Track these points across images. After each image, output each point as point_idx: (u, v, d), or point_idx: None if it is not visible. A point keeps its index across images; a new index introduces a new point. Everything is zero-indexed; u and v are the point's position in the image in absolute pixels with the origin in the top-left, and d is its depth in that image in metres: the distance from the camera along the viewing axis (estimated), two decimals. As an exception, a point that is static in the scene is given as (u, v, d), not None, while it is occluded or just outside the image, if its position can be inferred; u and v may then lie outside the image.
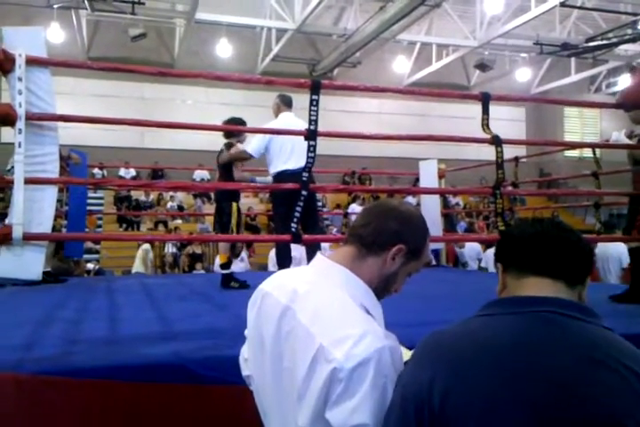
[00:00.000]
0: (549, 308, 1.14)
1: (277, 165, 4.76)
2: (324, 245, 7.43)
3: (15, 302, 4.43)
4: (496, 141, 3.43)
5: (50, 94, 2.91)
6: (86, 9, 13.15)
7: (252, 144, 4.90)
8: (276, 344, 1.38)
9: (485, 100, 3.42)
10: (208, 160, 15.51)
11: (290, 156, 4.67)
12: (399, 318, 2.92)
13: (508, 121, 18.67)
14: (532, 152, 11.62)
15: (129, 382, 2.36)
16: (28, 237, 2.74)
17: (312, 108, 3.13)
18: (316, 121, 3.13)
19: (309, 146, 3.17)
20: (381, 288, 1.42)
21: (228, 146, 5.14)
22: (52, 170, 2.88)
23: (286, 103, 5.04)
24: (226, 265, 5.27)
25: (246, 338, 1.62)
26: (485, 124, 3.45)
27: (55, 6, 13.04)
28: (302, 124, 4.20)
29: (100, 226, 13.94)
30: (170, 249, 12.09)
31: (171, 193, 16.13)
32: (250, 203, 15.40)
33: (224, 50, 16.82)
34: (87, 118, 3.03)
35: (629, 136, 4.37)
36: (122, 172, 16.67)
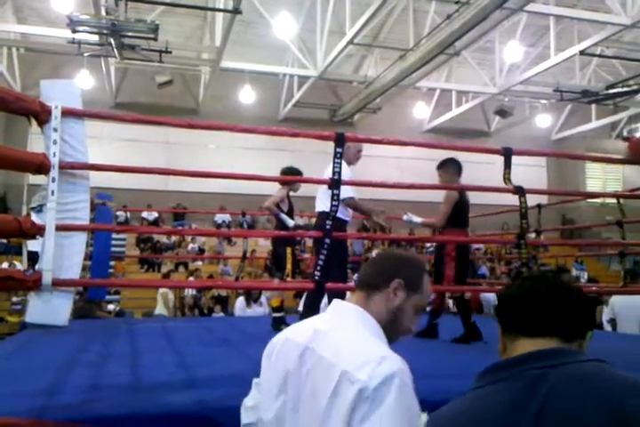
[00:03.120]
0: (535, 364, 1.11)
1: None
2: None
3: (37, 345, 4.45)
4: (519, 192, 3.44)
5: (83, 144, 3.01)
6: (115, 57, 13.59)
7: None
8: (296, 382, 1.48)
9: (507, 155, 3.45)
10: (229, 203, 15.83)
11: None
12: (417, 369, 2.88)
13: (529, 166, 18.68)
14: (554, 198, 11.57)
15: (151, 431, 2.36)
16: (57, 283, 2.78)
17: (336, 160, 3.19)
18: (339, 172, 3.19)
19: (333, 195, 3.23)
20: (391, 324, 1.55)
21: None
22: (83, 217, 2.95)
23: None
24: (278, 309, 5.47)
25: (254, 386, 1.76)
26: (507, 178, 3.47)
27: (85, 55, 13.46)
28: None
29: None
30: (190, 291, 12.07)
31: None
32: (269, 245, 15.42)
33: (247, 96, 17.20)
34: (117, 167, 3.12)
35: None
36: (144, 214, 16.90)
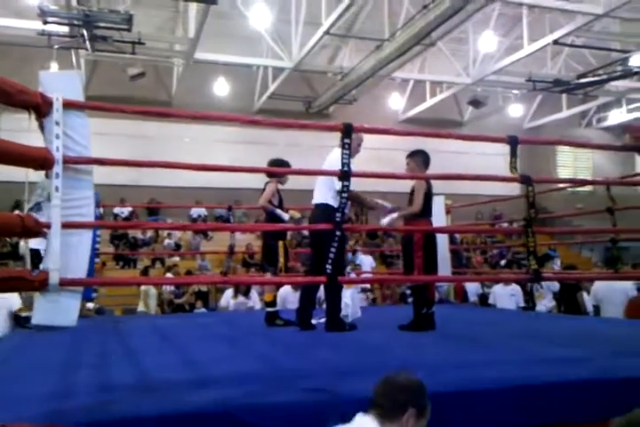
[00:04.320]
0: None
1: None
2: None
3: (32, 345, 4.32)
4: (526, 181, 3.43)
5: (86, 138, 2.90)
6: (86, 49, 13.26)
7: None
8: None
9: (513, 143, 3.43)
10: (205, 197, 15.63)
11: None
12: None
13: (501, 155, 18.79)
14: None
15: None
16: (64, 283, 2.68)
17: (344, 151, 3.13)
18: (348, 163, 3.13)
19: (343, 186, 3.17)
20: None
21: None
22: (89, 214, 2.85)
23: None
24: (271, 303, 5.40)
25: None
26: (514, 167, 3.45)
27: (56, 47, 13.11)
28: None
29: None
30: (167, 287, 11.90)
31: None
32: (248, 239, 15.32)
33: (221, 88, 16.98)
34: (123, 161, 3.02)
35: None
36: (116, 209, 16.48)
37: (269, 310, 5.41)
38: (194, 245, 15.88)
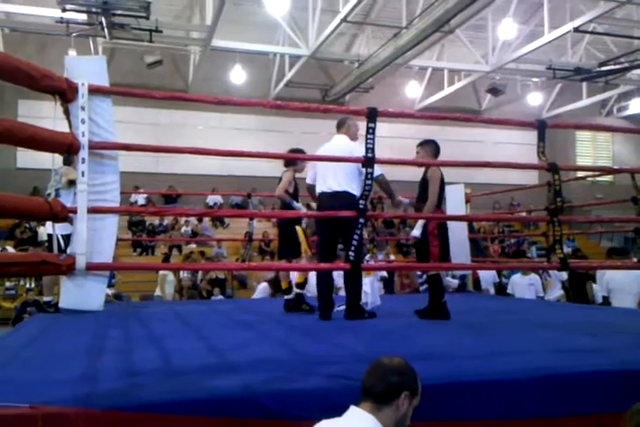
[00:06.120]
0: None
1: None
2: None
3: (56, 330, 4.37)
4: (553, 169, 3.38)
5: (111, 123, 2.90)
6: (104, 37, 13.27)
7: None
8: None
9: (541, 127, 3.38)
10: (221, 185, 15.67)
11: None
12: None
13: (520, 145, 18.69)
14: (546, 177, 11.59)
15: (203, 417, 2.29)
16: (91, 267, 2.69)
17: (369, 135, 3.09)
18: (372, 149, 3.09)
19: (367, 173, 3.13)
20: None
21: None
22: (113, 199, 2.86)
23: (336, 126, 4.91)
24: (287, 290, 5.46)
25: None
26: (541, 152, 3.39)
27: (74, 35, 13.12)
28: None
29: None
30: (184, 274, 11.96)
31: (185, 217, 16.08)
32: (264, 227, 15.34)
33: (238, 76, 16.94)
34: (147, 147, 3.01)
35: None
36: (133, 197, 16.54)
37: (287, 297, 5.45)
38: (205, 233, 15.93)
